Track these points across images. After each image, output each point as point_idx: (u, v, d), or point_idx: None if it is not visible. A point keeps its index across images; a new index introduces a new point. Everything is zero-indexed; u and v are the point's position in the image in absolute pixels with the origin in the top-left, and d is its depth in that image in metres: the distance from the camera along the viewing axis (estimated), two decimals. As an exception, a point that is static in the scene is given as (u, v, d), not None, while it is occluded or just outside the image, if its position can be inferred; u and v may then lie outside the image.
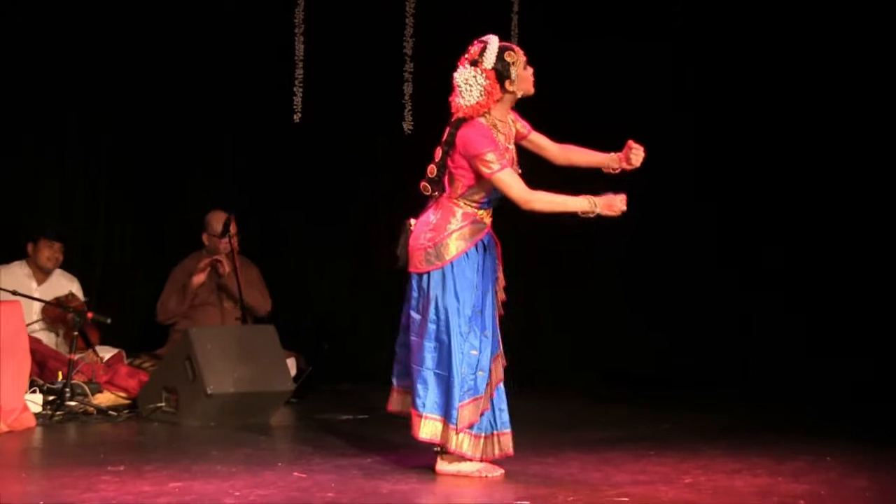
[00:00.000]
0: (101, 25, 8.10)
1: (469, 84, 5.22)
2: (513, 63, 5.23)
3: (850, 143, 8.37)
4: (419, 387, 5.22)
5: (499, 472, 5.22)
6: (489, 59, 5.21)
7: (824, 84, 8.38)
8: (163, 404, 6.66)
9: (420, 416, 5.22)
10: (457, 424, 5.15)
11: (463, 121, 5.25)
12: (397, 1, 8.30)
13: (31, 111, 8.00)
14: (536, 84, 5.31)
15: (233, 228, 7.62)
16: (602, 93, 8.48)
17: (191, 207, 8.35)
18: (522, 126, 5.45)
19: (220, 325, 7.58)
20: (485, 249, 5.30)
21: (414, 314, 5.29)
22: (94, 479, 4.92)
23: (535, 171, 5.44)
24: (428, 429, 5.20)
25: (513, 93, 5.27)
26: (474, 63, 5.22)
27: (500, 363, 5.33)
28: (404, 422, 6.36)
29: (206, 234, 7.85)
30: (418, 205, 5.47)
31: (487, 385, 5.23)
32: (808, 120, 8.42)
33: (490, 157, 5.15)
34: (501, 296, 5.41)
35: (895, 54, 8.15)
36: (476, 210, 5.30)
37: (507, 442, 5.31)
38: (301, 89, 8.28)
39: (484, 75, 5.21)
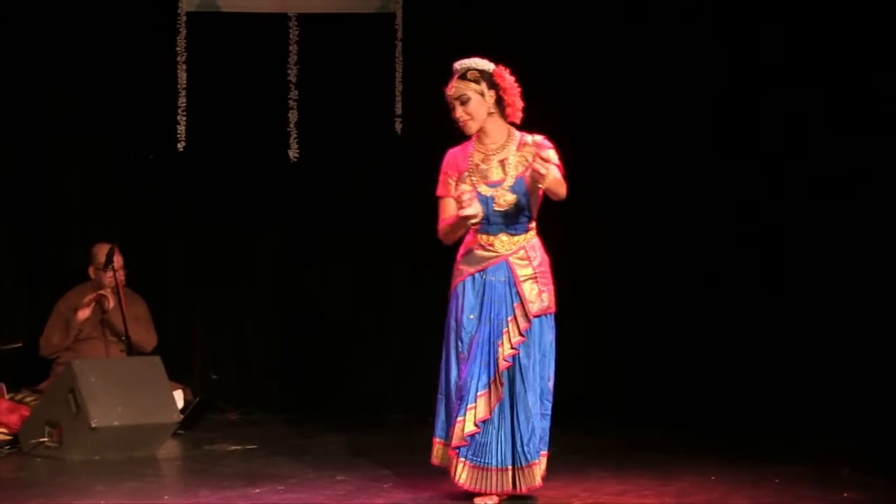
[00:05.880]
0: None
1: None
2: None
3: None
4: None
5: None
6: None
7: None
8: (45, 439, 6.52)
9: (433, 440, 5.28)
10: (450, 441, 5.15)
11: None
12: (280, 29, 8.30)
13: None
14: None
15: (118, 261, 7.49)
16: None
17: (78, 238, 8.24)
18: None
19: (104, 358, 7.46)
20: (483, 280, 5.18)
21: None
22: (-29, 518, 4.83)
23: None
24: (435, 452, 5.27)
25: None
26: None
27: (488, 399, 5.11)
28: (291, 451, 6.35)
29: (91, 267, 7.73)
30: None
31: (469, 410, 5.09)
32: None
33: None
34: (516, 338, 5.12)
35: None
36: (477, 234, 5.23)
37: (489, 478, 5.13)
38: (185, 117, 8.25)
39: None
